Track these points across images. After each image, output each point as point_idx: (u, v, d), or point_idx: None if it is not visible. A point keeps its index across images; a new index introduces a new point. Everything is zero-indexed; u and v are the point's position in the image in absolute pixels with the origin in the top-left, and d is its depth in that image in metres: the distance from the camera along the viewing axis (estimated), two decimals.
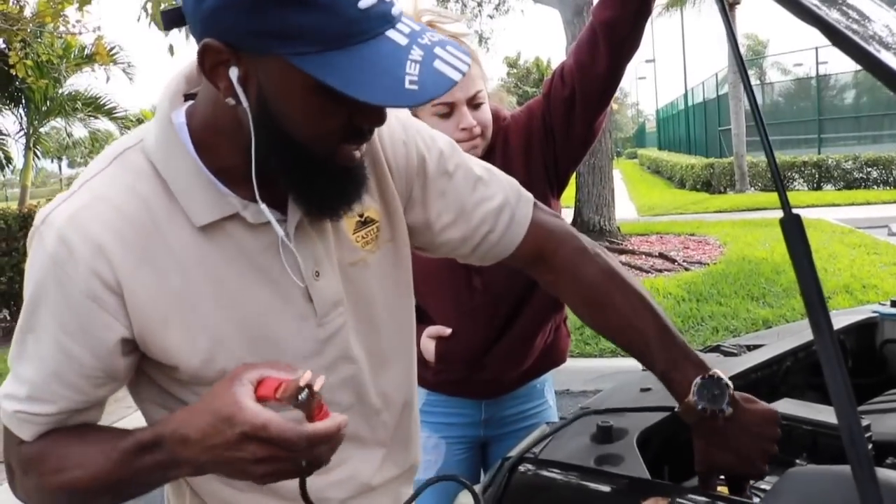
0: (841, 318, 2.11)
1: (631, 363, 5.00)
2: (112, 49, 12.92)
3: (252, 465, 0.81)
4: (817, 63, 20.43)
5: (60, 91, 13.91)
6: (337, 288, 1.01)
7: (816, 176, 16.73)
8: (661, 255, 8.79)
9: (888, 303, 2.23)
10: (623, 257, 8.76)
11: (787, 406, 1.50)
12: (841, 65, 21.48)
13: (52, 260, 0.87)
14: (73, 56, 13.16)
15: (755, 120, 0.89)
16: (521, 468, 1.25)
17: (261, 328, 0.95)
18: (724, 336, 5.62)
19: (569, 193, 6.61)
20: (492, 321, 1.72)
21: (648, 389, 1.57)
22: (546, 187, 1.73)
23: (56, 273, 0.87)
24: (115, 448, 0.88)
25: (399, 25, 0.81)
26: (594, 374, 5.20)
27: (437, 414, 1.85)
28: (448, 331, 1.69)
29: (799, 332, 1.99)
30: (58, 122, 15.88)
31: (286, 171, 0.88)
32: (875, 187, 16.10)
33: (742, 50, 1.00)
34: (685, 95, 29.09)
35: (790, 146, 20.04)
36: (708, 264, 8.19)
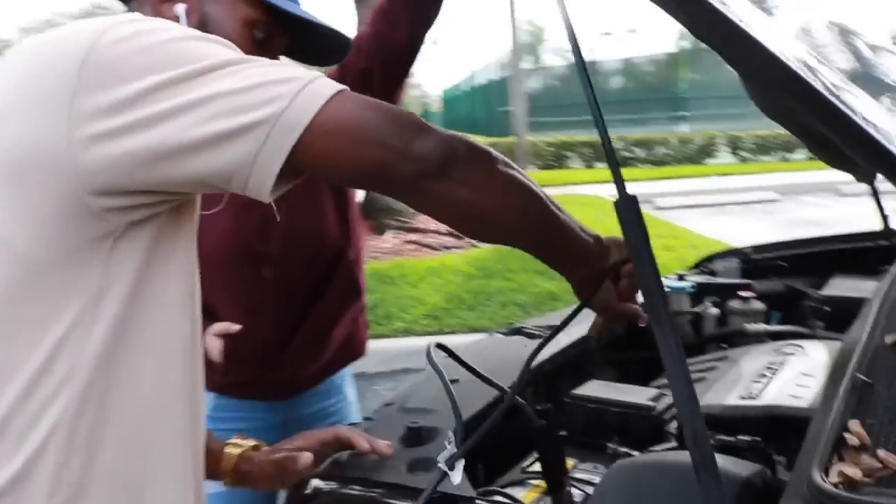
0: None
1: (425, 342, 4.89)
2: None
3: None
4: (588, 50, 21.66)
5: None
6: None
7: (591, 155, 17.76)
8: (451, 233, 8.88)
9: (674, 276, 2.29)
10: (413, 236, 8.78)
11: (595, 388, 1.47)
12: (608, 52, 22.95)
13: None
14: None
15: (590, 106, 0.81)
16: (324, 485, 1.11)
17: None
18: (512, 310, 5.75)
19: None
20: (285, 315, 1.55)
21: (456, 381, 1.47)
22: None
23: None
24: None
25: None
26: (388, 354, 5.14)
27: (227, 419, 1.65)
28: (236, 327, 1.50)
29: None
30: None
31: None
32: (641, 165, 17.35)
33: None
34: (470, 77, 29.85)
35: (567, 127, 21.10)
36: None
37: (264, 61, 0.78)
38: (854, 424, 0.91)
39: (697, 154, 17.48)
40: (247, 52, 0.85)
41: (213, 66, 0.75)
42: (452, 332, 5.40)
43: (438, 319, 5.62)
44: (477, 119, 26.97)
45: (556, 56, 28.75)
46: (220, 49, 0.78)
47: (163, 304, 0.84)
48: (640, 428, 1.33)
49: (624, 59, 23.03)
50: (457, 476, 0.93)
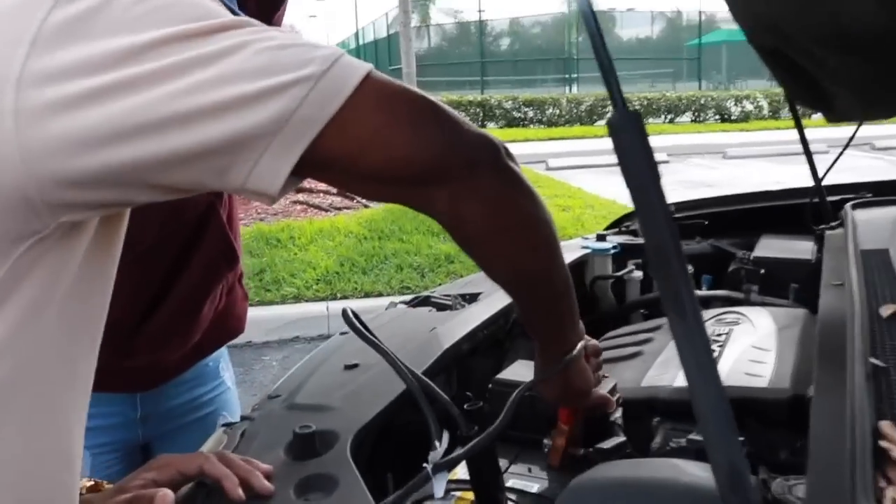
0: None
1: (317, 308, 4.59)
2: None
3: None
4: (480, 10, 21.44)
5: None
6: None
7: (481, 115, 17.61)
8: (340, 193, 8.55)
9: (593, 237, 2.08)
10: (300, 196, 8.41)
11: (523, 371, 1.22)
12: (496, 12, 22.88)
13: None
14: None
15: (596, 50, 0.57)
16: None
17: None
18: (408, 273, 5.50)
19: None
20: (140, 289, 1.23)
21: (355, 366, 1.20)
22: None
23: None
24: None
25: None
26: (278, 322, 4.85)
27: None
28: None
29: None
30: None
31: None
32: (532, 126, 17.34)
33: None
34: (356, 34, 29.18)
35: (455, 87, 20.91)
36: None
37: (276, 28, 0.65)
38: (888, 428, 0.71)
39: (587, 115, 17.59)
40: None
41: (228, 24, 0.60)
42: (346, 298, 5.12)
43: (331, 284, 5.32)
44: None
45: (444, 14, 28.44)
46: (223, 10, 0.63)
47: (67, 337, 0.67)
48: (583, 420, 1.10)
49: (511, 18, 22.99)
50: (440, 487, 0.76)
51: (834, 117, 1.11)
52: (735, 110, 18.24)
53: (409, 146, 0.64)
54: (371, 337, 0.81)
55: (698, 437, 0.98)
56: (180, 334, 1.31)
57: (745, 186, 2.47)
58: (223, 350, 1.50)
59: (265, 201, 0.63)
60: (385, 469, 1.00)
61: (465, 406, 0.93)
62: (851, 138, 1.74)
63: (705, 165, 11.41)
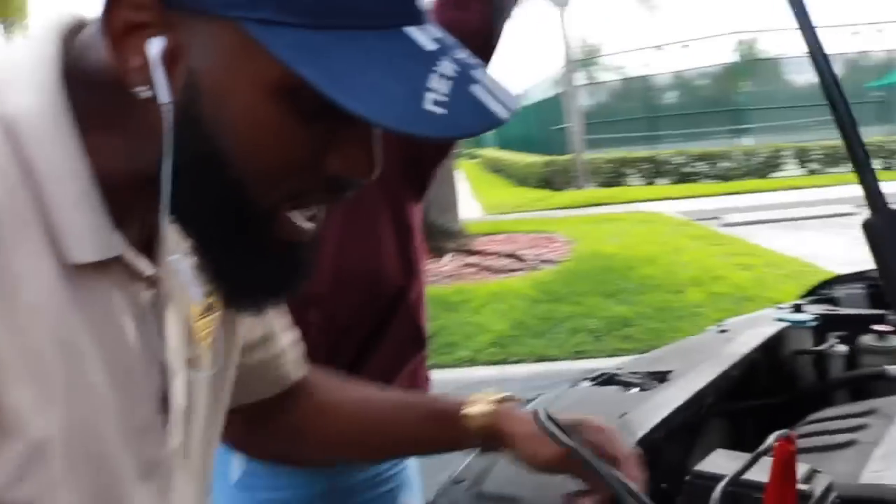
0: (743, 329, 1.81)
1: (490, 372, 4.59)
2: None
3: None
4: (642, 65, 21.25)
5: None
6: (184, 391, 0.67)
7: (651, 171, 17.28)
8: (511, 255, 8.59)
9: (788, 307, 1.95)
10: (473, 258, 8.51)
11: (726, 462, 1.13)
12: (660, 67, 22.64)
13: None
14: None
15: (832, 101, 0.53)
16: None
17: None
18: (582, 337, 5.40)
19: None
20: (333, 364, 1.27)
21: None
22: (403, 188, 1.30)
23: None
24: None
25: (426, 27, 0.53)
26: (452, 385, 4.87)
27: (261, 488, 1.37)
28: None
29: (702, 350, 1.66)
30: None
31: (200, 222, 0.56)
32: (703, 181, 16.80)
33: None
34: (521, 95, 29.60)
35: (623, 143, 20.69)
36: (558, 262, 8.07)
37: None
38: None
39: (763, 167, 16.84)
40: (282, 136, 0.52)
41: None
42: (520, 362, 5.08)
43: (504, 348, 5.31)
44: (532, 138, 26.72)
45: (608, 72, 28.41)
46: None
47: None
48: None
49: (676, 71, 22.59)
50: None
51: None
52: None
53: None
54: (569, 442, 0.77)
55: None
56: None
57: None
58: None
59: None
60: None
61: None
62: None
63: None
